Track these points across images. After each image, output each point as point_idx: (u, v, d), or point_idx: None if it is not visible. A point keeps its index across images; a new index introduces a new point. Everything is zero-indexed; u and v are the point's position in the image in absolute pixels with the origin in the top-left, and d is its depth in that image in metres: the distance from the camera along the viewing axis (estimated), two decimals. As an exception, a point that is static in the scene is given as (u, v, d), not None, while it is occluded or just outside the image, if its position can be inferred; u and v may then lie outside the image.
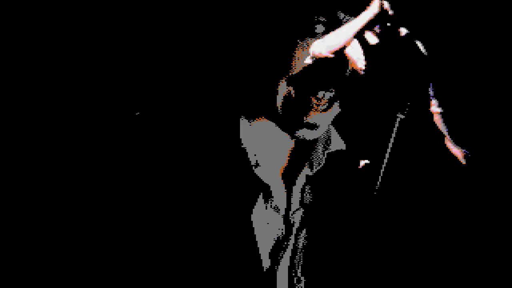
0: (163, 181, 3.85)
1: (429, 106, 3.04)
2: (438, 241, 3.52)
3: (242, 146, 1.72)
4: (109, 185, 3.81)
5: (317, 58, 2.42)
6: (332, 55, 2.43)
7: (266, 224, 2.02)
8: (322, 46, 2.49)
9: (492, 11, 3.84)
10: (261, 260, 2.39)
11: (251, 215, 2.43)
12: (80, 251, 3.55)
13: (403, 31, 2.86)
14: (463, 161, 3.05)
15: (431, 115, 3.05)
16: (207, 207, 3.76)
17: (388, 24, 2.72)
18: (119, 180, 3.83)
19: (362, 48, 2.67)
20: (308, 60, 2.41)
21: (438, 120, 3.07)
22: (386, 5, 2.58)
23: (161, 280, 3.46)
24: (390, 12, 2.59)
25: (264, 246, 2.16)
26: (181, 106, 3.78)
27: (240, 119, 1.87)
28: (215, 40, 3.71)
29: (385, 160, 2.93)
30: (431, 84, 3.03)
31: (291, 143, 1.81)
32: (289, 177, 2.00)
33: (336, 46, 2.48)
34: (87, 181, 3.79)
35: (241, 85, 3.27)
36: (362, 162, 2.89)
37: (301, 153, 1.90)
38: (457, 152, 3.07)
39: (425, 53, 2.97)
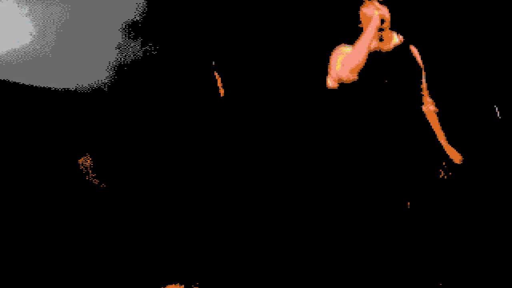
0: (162, 180, 3.86)
1: (423, 105, 3.09)
2: (433, 240, 3.55)
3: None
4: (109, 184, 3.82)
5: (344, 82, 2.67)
6: (357, 76, 2.67)
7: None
8: (346, 71, 2.74)
9: (489, 11, 3.90)
10: (262, 259, 2.40)
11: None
12: (80, 251, 3.56)
13: (396, 36, 3.01)
14: (458, 161, 3.08)
15: (426, 114, 3.09)
16: (207, 206, 3.78)
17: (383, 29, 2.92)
18: (119, 179, 3.84)
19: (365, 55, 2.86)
20: (333, 85, 2.65)
21: (433, 119, 3.11)
22: (386, 15, 2.81)
23: (161, 280, 3.47)
24: (387, 17, 2.80)
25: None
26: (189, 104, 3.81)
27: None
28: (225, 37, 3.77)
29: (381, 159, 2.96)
30: (421, 82, 3.08)
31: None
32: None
33: (359, 66, 2.72)
34: (87, 180, 3.80)
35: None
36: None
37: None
38: (452, 152, 3.10)
39: (419, 56, 3.07)
